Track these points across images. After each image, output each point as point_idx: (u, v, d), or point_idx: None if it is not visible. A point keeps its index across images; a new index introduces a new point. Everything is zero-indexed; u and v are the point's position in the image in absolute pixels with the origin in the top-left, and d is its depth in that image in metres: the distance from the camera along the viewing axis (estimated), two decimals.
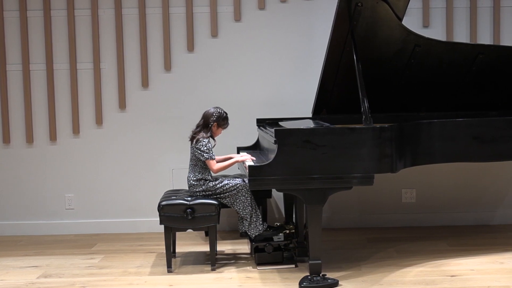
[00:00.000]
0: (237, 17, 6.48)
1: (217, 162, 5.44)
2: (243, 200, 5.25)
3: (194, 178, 5.33)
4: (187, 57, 6.52)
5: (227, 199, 5.29)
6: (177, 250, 5.70)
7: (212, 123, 5.36)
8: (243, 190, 5.26)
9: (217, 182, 5.30)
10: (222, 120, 5.40)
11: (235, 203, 5.28)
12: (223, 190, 5.27)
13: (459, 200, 6.61)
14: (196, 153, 5.31)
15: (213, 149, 5.32)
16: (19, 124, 6.56)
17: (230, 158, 5.51)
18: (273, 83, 6.52)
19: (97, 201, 6.61)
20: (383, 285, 4.71)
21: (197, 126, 5.42)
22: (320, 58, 5.64)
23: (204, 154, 5.25)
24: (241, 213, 5.27)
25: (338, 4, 5.02)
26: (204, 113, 5.43)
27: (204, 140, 5.28)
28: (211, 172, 5.38)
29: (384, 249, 5.72)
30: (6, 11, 6.49)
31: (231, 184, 5.27)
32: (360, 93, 4.87)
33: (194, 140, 5.33)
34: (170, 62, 6.51)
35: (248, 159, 5.36)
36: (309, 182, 4.67)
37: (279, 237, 5.26)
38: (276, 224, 5.45)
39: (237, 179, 5.34)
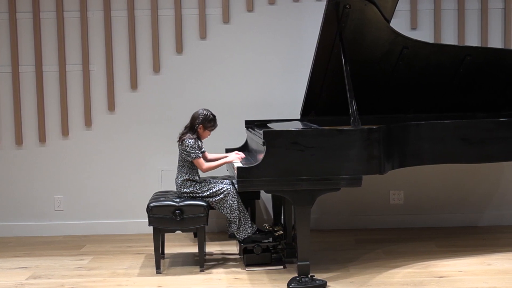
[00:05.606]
0: (226, 19, 6.49)
1: (210, 159, 5.47)
2: (230, 204, 5.25)
3: (182, 179, 5.33)
4: (175, 59, 6.52)
5: (215, 203, 5.29)
6: (165, 251, 5.69)
7: (198, 125, 5.34)
8: (230, 194, 5.26)
9: (204, 184, 5.30)
10: (208, 122, 5.37)
11: (222, 207, 5.28)
12: (210, 193, 5.27)
13: (447, 201, 6.64)
14: (182, 154, 5.31)
15: (201, 150, 5.34)
16: (8, 125, 6.55)
17: (222, 157, 5.52)
18: (261, 85, 6.54)
19: (86, 202, 6.61)
20: (371, 286, 4.73)
21: (185, 128, 5.42)
22: (308, 60, 5.65)
23: (191, 154, 5.25)
24: (229, 216, 5.27)
25: (326, 6, 5.02)
26: (192, 114, 5.43)
27: (189, 140, 5.28)
28: (198, 173, 5.39)
29: (372, 250, 5.74)
30: None
31: (218, 187, 5.27)
32: (348, 95, 4.88)
33: (180, 141, 5.34)
34: (159, 64, 6.52)
35: (237, 158, 5.38)
36: (298, 183, 4.68)
37: (268, 239, 5.29)
38: (265, 227, 5.46)
39: (225, 181, 5.35)
